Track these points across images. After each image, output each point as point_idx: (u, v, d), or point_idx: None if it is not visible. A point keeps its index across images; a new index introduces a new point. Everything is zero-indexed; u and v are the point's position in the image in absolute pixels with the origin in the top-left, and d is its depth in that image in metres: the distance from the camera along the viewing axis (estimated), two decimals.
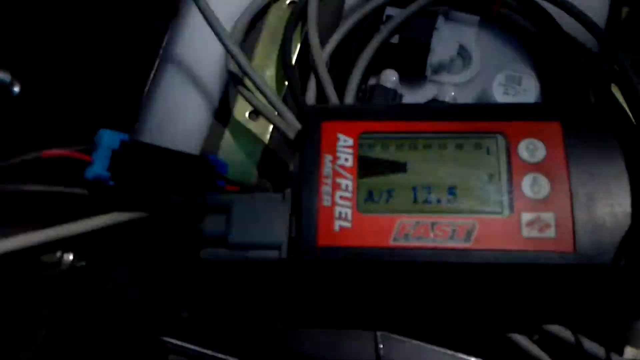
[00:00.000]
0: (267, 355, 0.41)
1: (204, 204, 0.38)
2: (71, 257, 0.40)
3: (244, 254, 0.36)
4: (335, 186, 0.36)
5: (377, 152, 0.37)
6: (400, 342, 0.39)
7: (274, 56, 0.53)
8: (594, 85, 0.51)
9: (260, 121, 0.51)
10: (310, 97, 0.48)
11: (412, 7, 0.50)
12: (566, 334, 0.37)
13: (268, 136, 0.51)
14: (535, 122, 0.37)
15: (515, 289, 0.35)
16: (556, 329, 0.37)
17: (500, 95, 0.49)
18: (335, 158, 0.37)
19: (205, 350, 0.42)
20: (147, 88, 0.46)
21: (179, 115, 0.50)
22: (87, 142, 0.35)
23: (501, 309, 0.37)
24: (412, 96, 0.52)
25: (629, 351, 0.40)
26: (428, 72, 0.51)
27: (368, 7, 0.51)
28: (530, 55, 0.53)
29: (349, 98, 0.47)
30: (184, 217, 0.39)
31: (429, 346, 0.40)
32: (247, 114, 0.52)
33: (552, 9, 0.50)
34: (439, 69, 0.52)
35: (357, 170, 0.36)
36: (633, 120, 0.48)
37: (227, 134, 0.51)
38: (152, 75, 0.47)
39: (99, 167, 0.34)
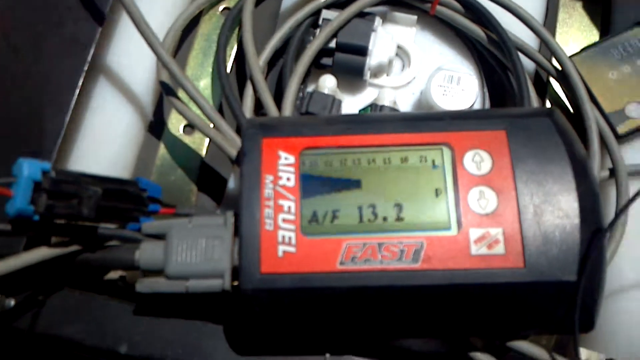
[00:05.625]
0: None
1: (139, 231, 0.36)
2: None
3: (183, 284, 0.35)
4: (278, 208, 0.34)
5: (320, 170, 0.35)
6: None
7: (208, 65, 0.51)
8: (534, 81, 0.51)
9: (196, 135, 0.49)
10: (247, 106, 0.46)
11: (349, 11, 0.48)
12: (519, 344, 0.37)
13: (205, 150, 0.49)
14: (480, 131, 0.36)
15: (468, 308, 0.34)
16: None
17: (439, 97, 0.48)
18: (277, 178, 0.35)
19: None
20: (71, 105, 0.43)
21: (109, 133, 0.47)
22: (5, 174, 0.32)
23: (455, 327, 0.36)
24: (352, 100, 0.51)
25: (583, 352, 0.39)
26: (367, 76, 0.50)
27: (304, 12, 0.49)
28: (471, 54, 0.52)
29: (288, 106, 0.45)
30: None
31: None
32: (181, 128, 0.50)
33: (490, 5, 0.50)
34: (378, 71, 0.51)
35: (299, 190, 0.35)
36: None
37: (161, 151, 0.49)
38: (77, 90, 0.43)
39: (20, 201, 0.32)
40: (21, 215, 0.32)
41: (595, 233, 0.33)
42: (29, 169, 0.32)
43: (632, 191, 0.43)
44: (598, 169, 0.44)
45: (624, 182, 0.44)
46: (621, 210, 0.37)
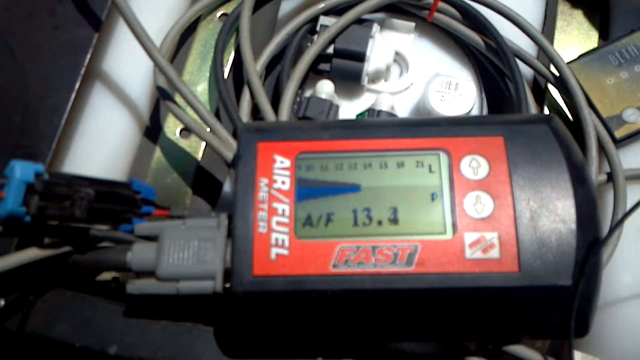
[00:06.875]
0: None
1: (131, 233, 0.36)
2: None
3: (174, 286, 0.34)
4: (272, 211, 0.34)
5: (315, 173, 0.35)
6: None
7: (205, 70, 0.51)
8: (532, 88, 0.51)
9: (192, 139, 0.49)
10: (245, 110, 0.46)
11: (347, 17, 0.48)
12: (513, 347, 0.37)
13: (201, 154, 0.49)
14: (478, 137, 0.36)
15: (462, 311, 0.34)
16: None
17: (437, 102, 0.48)
18: (272, 181, 0.35)
19: None
20: (67, 107, 0.43)
21: (105, 136, 0.47)
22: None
23: (448, 330, 0.35)
24: (349, 106, 0.50)
25: (578, 356, 0.39)
26: (364, 81, 0.50)
27: (302, 18, 0.49)
28: (469, 60, 0.52)
29: (285, 111, 0.45)
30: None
31: None
32: (178, 132, 0.50)
33: (487, 12, 0.50)
34: (375, 77, 0.51)
35: (294, 194, 0.35)
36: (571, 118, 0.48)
37: (157, 154, 0.49)
38: (73, 93, 0.43)
39: (12, 203, 0.31)
40: (12, 217, 0.32)
41: (591, 240, 0.33)
42: (21, 171, 0.32)
43: (629, 195, 0.43)
44: (596, 173, 0.44)
45: (622, 186, 0.44)
46: (618, 223, 0.37)
